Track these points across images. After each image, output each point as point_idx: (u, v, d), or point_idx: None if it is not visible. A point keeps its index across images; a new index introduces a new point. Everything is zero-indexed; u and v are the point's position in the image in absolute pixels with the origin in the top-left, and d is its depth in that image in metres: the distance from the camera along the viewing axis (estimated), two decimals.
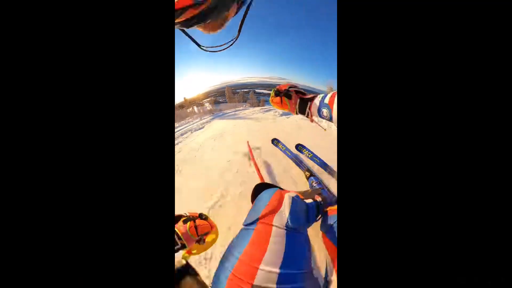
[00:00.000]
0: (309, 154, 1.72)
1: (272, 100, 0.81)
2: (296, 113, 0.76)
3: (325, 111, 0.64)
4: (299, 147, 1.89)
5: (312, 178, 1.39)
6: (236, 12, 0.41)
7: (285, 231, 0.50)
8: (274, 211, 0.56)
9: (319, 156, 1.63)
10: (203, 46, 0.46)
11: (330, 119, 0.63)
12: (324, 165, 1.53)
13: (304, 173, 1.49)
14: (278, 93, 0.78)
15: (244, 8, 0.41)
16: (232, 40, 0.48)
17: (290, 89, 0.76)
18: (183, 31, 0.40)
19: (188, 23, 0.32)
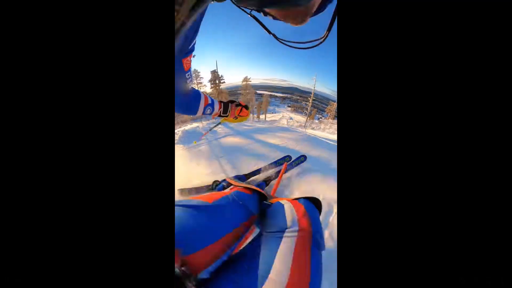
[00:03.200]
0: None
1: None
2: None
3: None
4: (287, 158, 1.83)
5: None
6: (320, 8, 0.33)
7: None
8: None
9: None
10: (285, 40, 0.38)
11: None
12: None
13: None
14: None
15: (329, 3, 0.33)
16: (322, 38, 0.39)
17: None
18: (254, 17, 0.32)
19: (261, 1, 0.24)
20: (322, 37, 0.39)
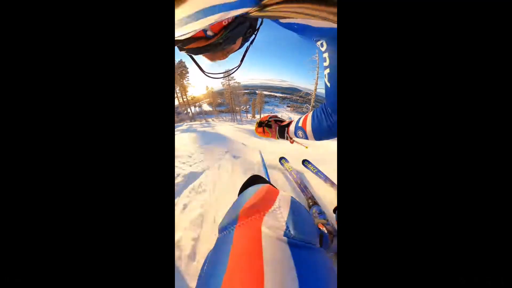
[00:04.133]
0: (314, 169, 1.70)
1: (256, 130, 0.97)
2: (277, 138, 0.90)
3: (300, 133, 0.77)
4: (305, 162, 1.87)
5: (314, 207, 1.23)
6: (240, 46, 0.46)
7: (287, 242, 0.31)
8: (259, 206, 0.37)
9: (322, 171, 1.62)
10: (206, 72, 0.51)
11: (306, 138, 0.75)
12: (326, 180, 1.53)
13: (307, 200, 1.29)
14: (260, 124, 0.95)
15: (247, 43, 0.46)
16: (234, 68, 0.53)
17: (270, 119, 0.93)
18: (191, 56, 0.44)
19: (197, 51, 0.37)
20: (237, 66, 0.52)
